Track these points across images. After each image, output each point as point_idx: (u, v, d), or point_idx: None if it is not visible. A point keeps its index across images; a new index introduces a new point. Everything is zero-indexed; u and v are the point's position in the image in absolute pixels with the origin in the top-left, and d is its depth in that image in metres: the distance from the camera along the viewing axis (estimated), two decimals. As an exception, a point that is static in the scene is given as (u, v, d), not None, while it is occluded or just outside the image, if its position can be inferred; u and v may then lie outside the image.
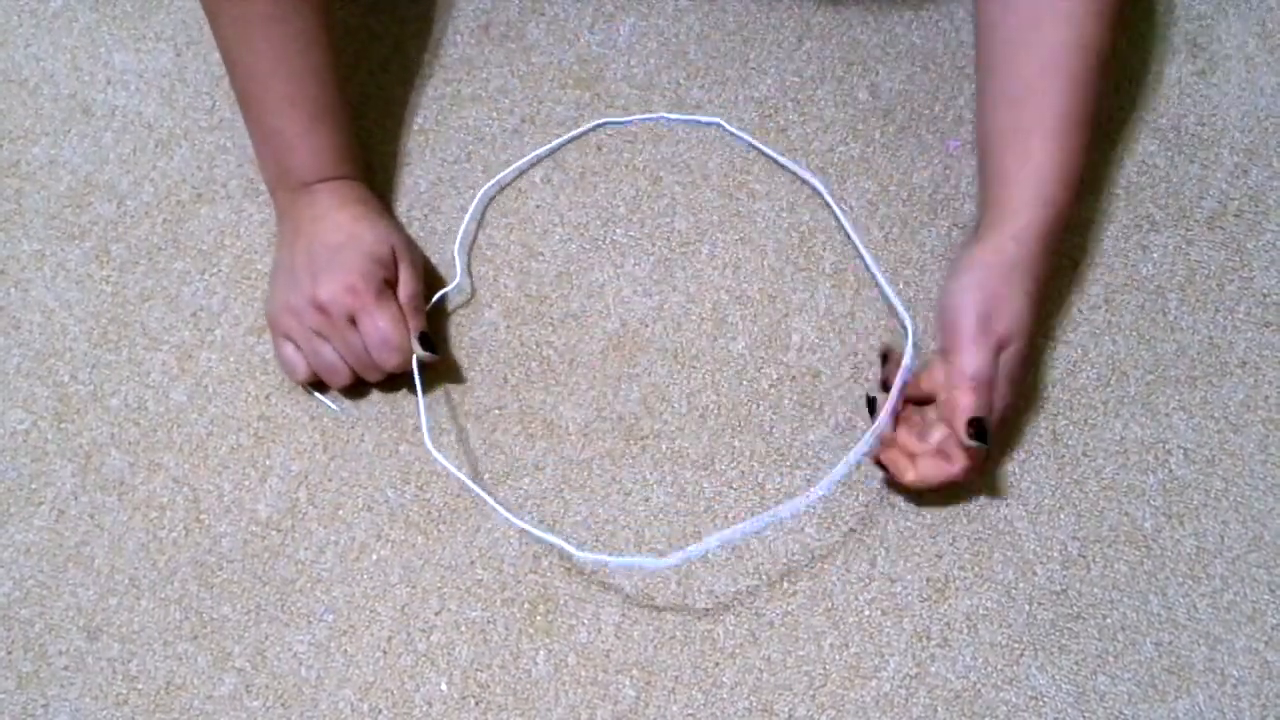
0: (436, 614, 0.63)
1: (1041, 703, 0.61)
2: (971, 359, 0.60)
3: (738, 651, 0.62)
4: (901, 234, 0.70)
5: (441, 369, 0.67)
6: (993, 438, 0.60)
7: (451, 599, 0.63)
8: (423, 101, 0.74)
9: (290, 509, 0.65)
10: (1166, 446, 0.65)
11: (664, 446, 0.66)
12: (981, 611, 0.62)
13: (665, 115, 0.72)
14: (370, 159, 0.72)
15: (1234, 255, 0.69)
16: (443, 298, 0.68)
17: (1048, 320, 0.68)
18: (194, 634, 0.62)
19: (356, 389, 0.66)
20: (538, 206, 0.71)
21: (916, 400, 0.63)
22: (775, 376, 0.67)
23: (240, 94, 0.65)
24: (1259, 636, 0.62)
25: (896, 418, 0.63)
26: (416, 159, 0.72)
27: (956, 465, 0.60)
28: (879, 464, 0.63)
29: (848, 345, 0.67)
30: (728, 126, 0.71)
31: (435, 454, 0.62)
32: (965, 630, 0.62)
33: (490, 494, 0.65)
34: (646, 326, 0.68)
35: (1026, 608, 0.62)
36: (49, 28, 0.76)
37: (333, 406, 0.66)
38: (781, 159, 0.70)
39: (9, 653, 0.62)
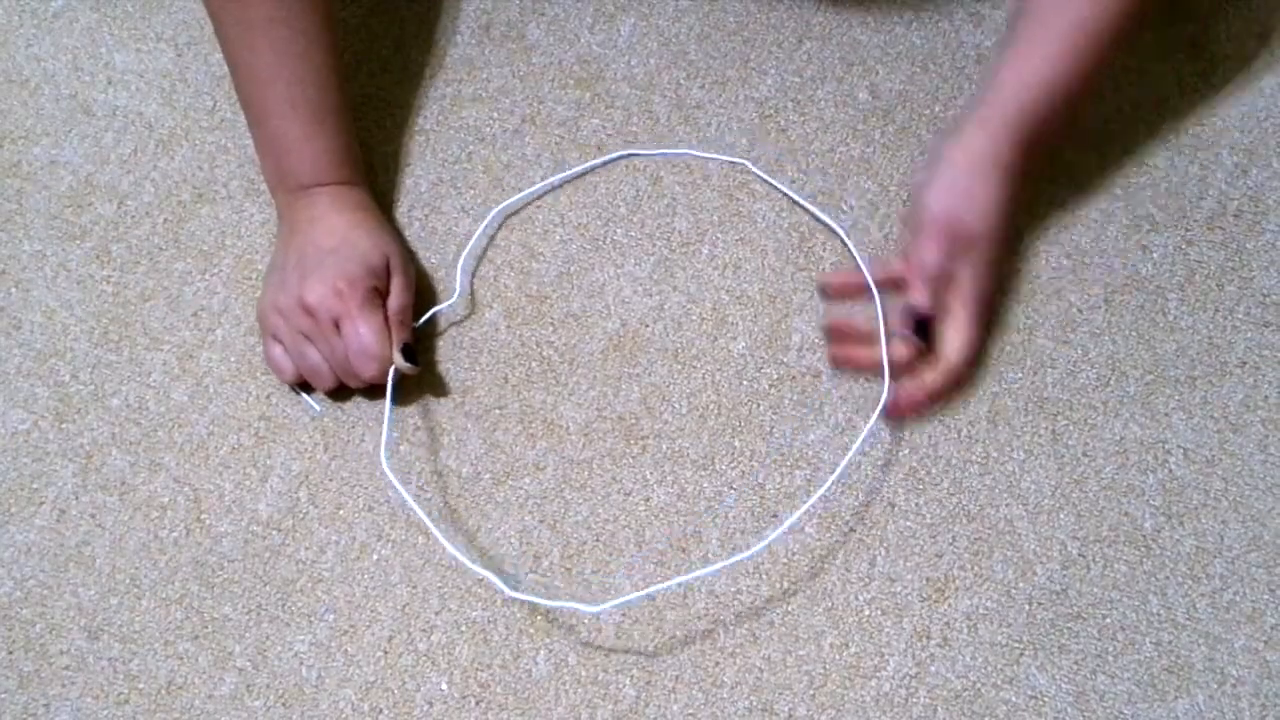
0: (437, 614, 0.63)
1: (1041, 702, 0.61)
2: (922, 250, 0.61)
3: (738, 651, 0.62)
4: (899, 236, 0.70)
5: (425, 382, 0.67)
6: (966, 344, 0.63)
7: (452, 599, 0.63)
8: (423, 102, 0.74)
9: (291, 509, 0.65)
10: (1166, 446, 0.65)
11: (664, 446, 0.66)
12: (981, 611, 0.62)
13: (691, 151, 0.71)
14: (370, 159, 0.72)
15: (1233, 255, 0.69)
16: (435, 314, 0.68)
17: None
18: (195, 634, 0.62)
19: (342, 392, 0.66)
20: (538, 206, 0.71)
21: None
22: (775, 376, 0.67)
23: (242, 95, 0.66)
24: (1258, 636, 0.62)
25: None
26: (417, 159, 0.72)
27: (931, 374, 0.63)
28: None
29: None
30: (754, 169, 0.71)
31: (387, 469, 0.63)
32: (965, 630, 0.62)
33: (490, 495, 0.65)
34: (647, 326, 0.68)
35: (1026, 607, 0.62)
36: (50, 28, 0.76)
37: (314, 406, 0.66)
38: (805, 203, 0.70)
39: (10, 653, 0.62)
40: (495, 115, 0.73)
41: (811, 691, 0.61)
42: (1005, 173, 0.63)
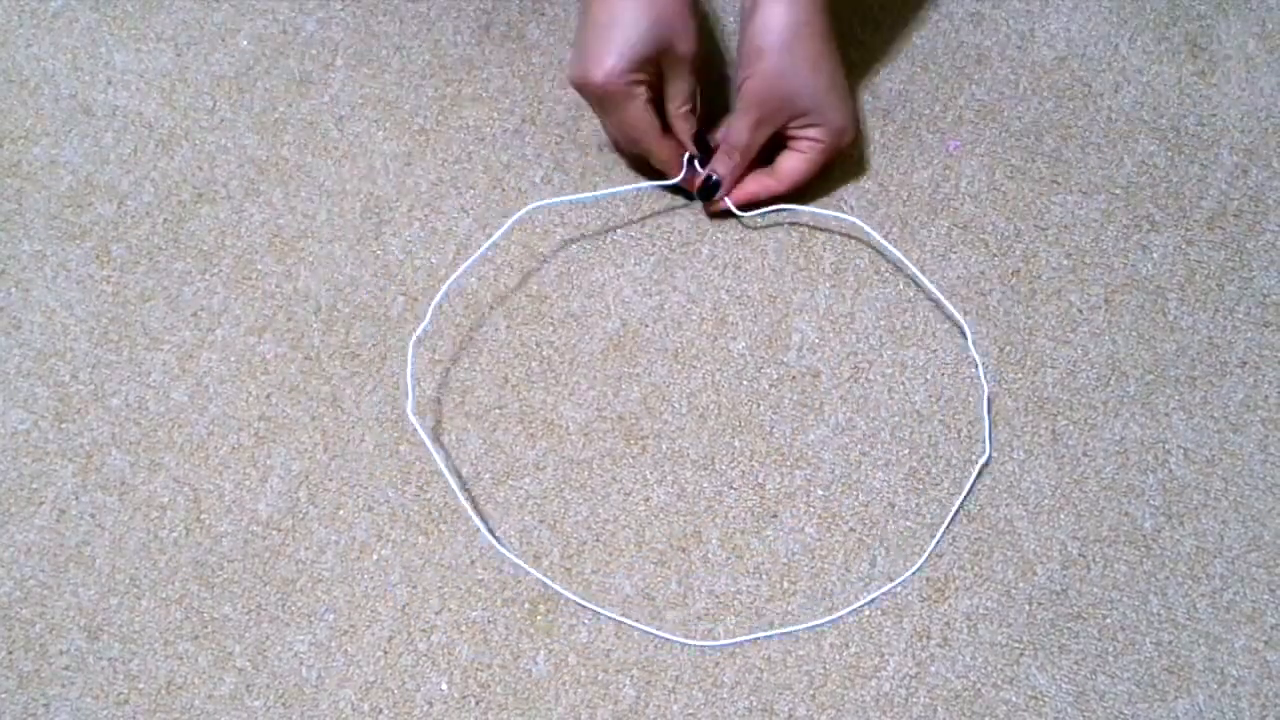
0: (437, 614, 0.63)
1: (1041, 702, 0.61)
2: (739, 127, 0.67)
3: (738, 651, 0.62)
4: (902, 234, 0.70)
5: (425, 380, 0.67)
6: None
7: (452, 599, 0.63)
8: (423, 101, 0.74)
9: (291, 509, 0.65)
10: (1166, 446, 0.65)
11: (664, 446, 0.66)
12: (981, 611, 0.62)
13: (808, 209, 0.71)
14: (371, 160, 0.72)
15: (1234, 255, 0.69)
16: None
17: (1045, 312, 0.68)
18: (195, 634, 0.62)
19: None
20: (538, 206, 0.71)
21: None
22: (775, 376, 0.67)
23: None
24: (1259, 636, 0.62)
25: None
26: (417, 159, 0.72)
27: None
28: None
29: (848, 345, 0.67)
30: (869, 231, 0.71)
31: (414, 420, 0.63)
32: (965, 630, 0.62)
33: (490, 495, 0.65)
34: (647, 326, 0.68)
35: (1026, 607, 0.62)
36: (49, 28, 0.76)
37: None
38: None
39: (9, 653, 0.62)
40: (495, 115, 0.73)
41: (811, 691, 0.61)
42: (812, 31, 0.65)
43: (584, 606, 0.62)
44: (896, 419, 0.66)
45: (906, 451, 0.65)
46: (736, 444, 0.66)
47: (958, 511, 0.64)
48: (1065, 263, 0.69)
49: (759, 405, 0.66)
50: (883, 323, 0.68)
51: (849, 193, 0.71)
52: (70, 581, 0.64)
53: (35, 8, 0.77)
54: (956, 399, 0.66)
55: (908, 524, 0.64)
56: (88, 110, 0.74)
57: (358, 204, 0.71)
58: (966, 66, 0.74)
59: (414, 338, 0.66)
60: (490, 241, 0.68)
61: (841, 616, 0.62)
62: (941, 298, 0.68)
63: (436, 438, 0.66)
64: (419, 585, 0.63)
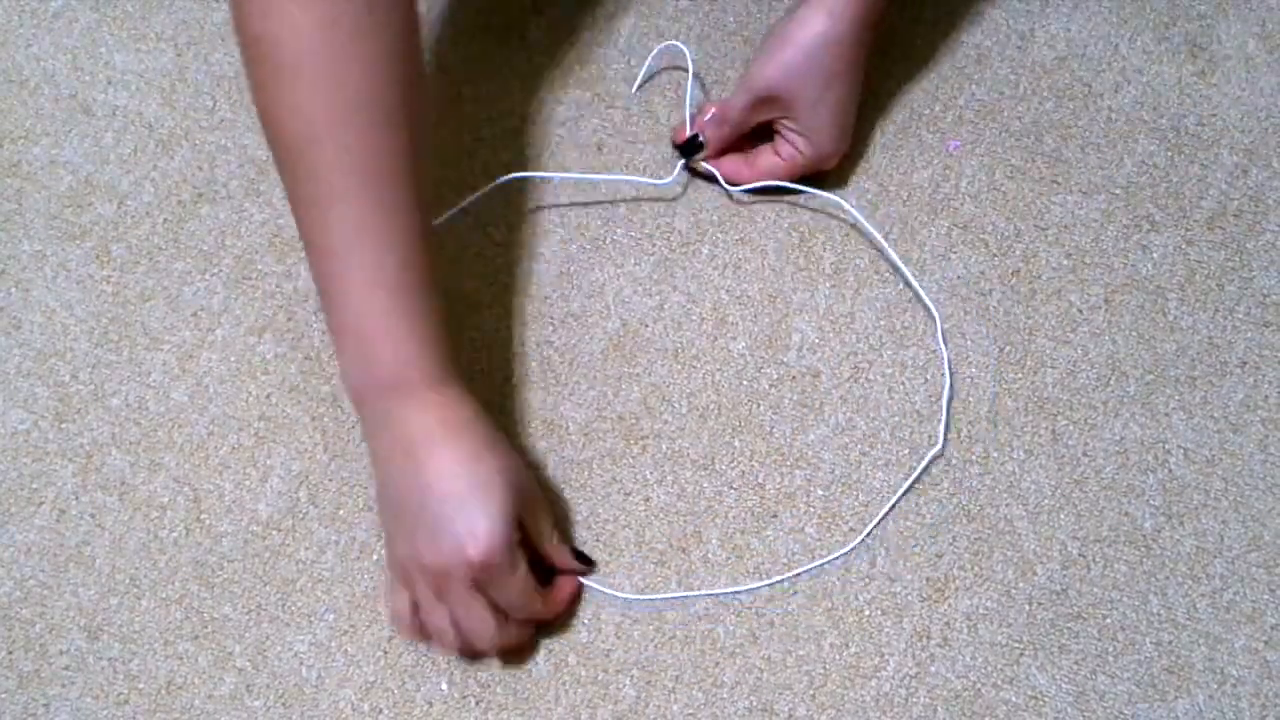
0: (437, 614, 0.63)
1: (1041, 702, 0.61)
2: (735, 105, 0.67)
3: (738, 651, 0.62)
4: (902, 234, 0.70)
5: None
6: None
7: (452, 599, 0.63)
8: (423, 101, 0.74)
9: (291, 509, 0.65)
10: (1166, 446, 0.65)
11: (664, 446, 0.66)
12: (981, 611, 0.62)
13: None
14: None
15: (1234, 255, 0.69)
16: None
17: (1041, 312, 0.68)
18: (195, 634, 0.62)
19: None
20: (538, 205, 0.71)
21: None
22: (775, 376, 0.67)
23: (317, 278, 0.56)
24: (1259, 636, 0.62)
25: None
26: (417, 159, 0.72)
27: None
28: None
29: (848, 345, 0.67)
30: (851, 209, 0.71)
31: None
32: (965, 630, 0.62)
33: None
34: (647, 326, 0.68)
35: (1026, 607, 0.62)
36: (49, 28, 0.76)
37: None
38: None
39: (9, 653, 0.62)
40: (495, 115, 0.73)
41: (811, 692, 0.61)
42: (844, 47, 0.64)
43: (592, 589, 0.62)
44: (897, 419, 0.66)
45: (907, 452, 0.65)
46: (736, 444, 0.66)
47: (899, 499, 0.64)
48: (1065, 263, 0.69)
49: (759, 405, 0.66)
50: (883, 323, 0.68)
51: (849, 192, 0.71)
52: (70, 581, 0.64)
53: (35, 8, 0.77)
54: (957, 399, 0.66)
55: (908, 524, 0.64)
56: (88, 110, 0.74)
57: (358, 204, 0.71)
58: (966, 66, 0.74)
59: None
60: (468, 200, 0.66)
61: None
62: (915, 282, 0.67)
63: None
64: (419, 585, 0.63)
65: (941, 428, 0.65)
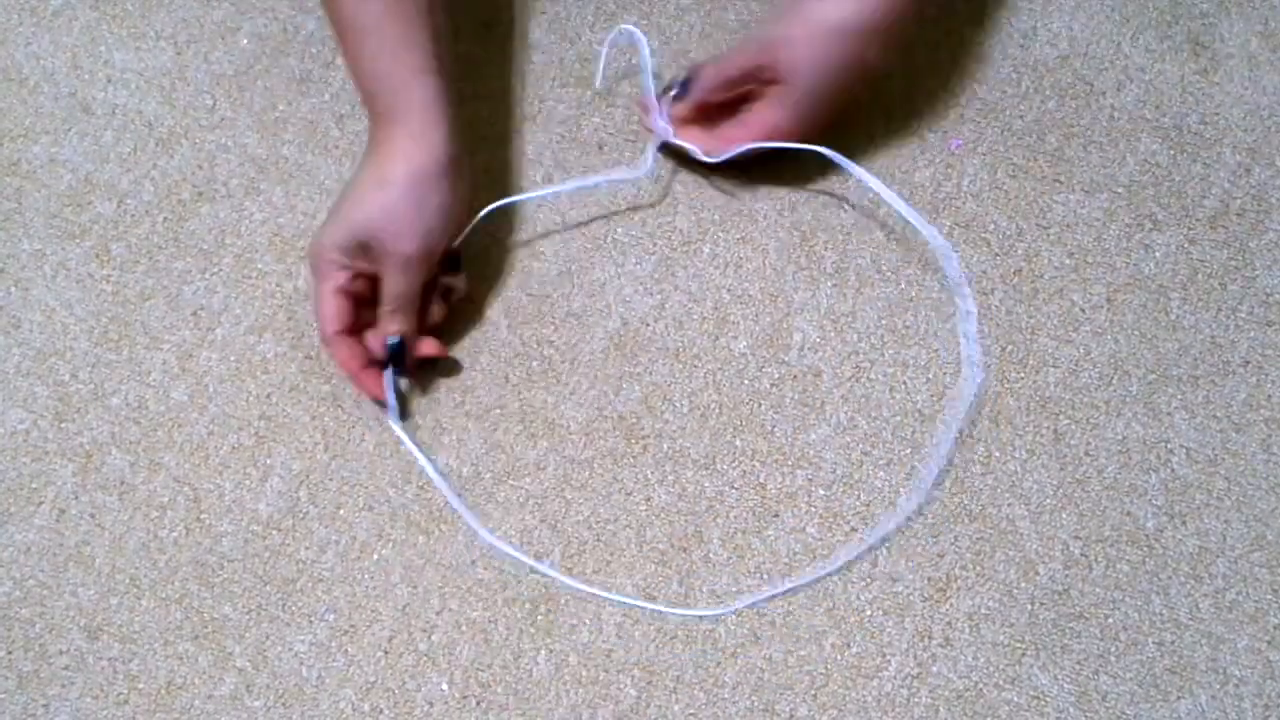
0: (437, 614, 0.63)
1: (1043, 702, 0.61)
2: (729, 62, 0.65)
3: (739, 651, 0.62)
4: (902, 233, 0.70)
5: (425, 380, 0.67)
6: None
7: (452, 599, 0.63)
8: (423, 100, 0.74)
9: (291, 508, 0.65)
10: (1169, 446, 0.65)
11: (665, 446, 0.66)
12: (983, 611, 0.62)
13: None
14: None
15: (1236, 254, 0.69)
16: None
17: (1047, 311, 0.67)
18: (195, 634, 0.62)
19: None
20: (539, 205, 0.71)
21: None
22: (776, 376, 0.67)
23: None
24: (1261, 636, 0.62)
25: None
26: (417, 158, 0.72)
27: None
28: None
29: (849, 344, 0.67)
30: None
31: (399, 430, 0.63)
32: (967, 630, 0.62)
33: (491, 495, 0.65)
34: (648, 325, 0.68)
35: (1028, 607, 0.62)
36: (49, 26, 0.76)
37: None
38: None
39: (9, 653, 0.62)
40: (495, 115, 0.73)
41: (813, 692, 0.61)
42: (861, 39, 0.63)
43: (593, 595, 0.62)
44: (898, 419, 0.66)
45: (908, 451, 0.65)
46: (738, 443, 0.66)
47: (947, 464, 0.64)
48: (1067, 262, 0.69)
49: (760, 404, 0.66)
50: (884, 322, 0.68)
51: (849, 192, 0.71)
52: (70, 581, 0.63)
53: (35, 6, 0.77)
54: (959, 400, 0.66)
55: (910, 523, 0.64)
56: (87, 109, 0.74)
57: (358, 203, 0.71)
58: (968, 65, 0.74)
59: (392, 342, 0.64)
60: (457, 239, 0.66)
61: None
62: (913, 215, 0.65)
63: (437, 438, 0.66)
64: (419, 585, 0.63)
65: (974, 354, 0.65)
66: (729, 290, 0.69)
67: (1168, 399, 0.66)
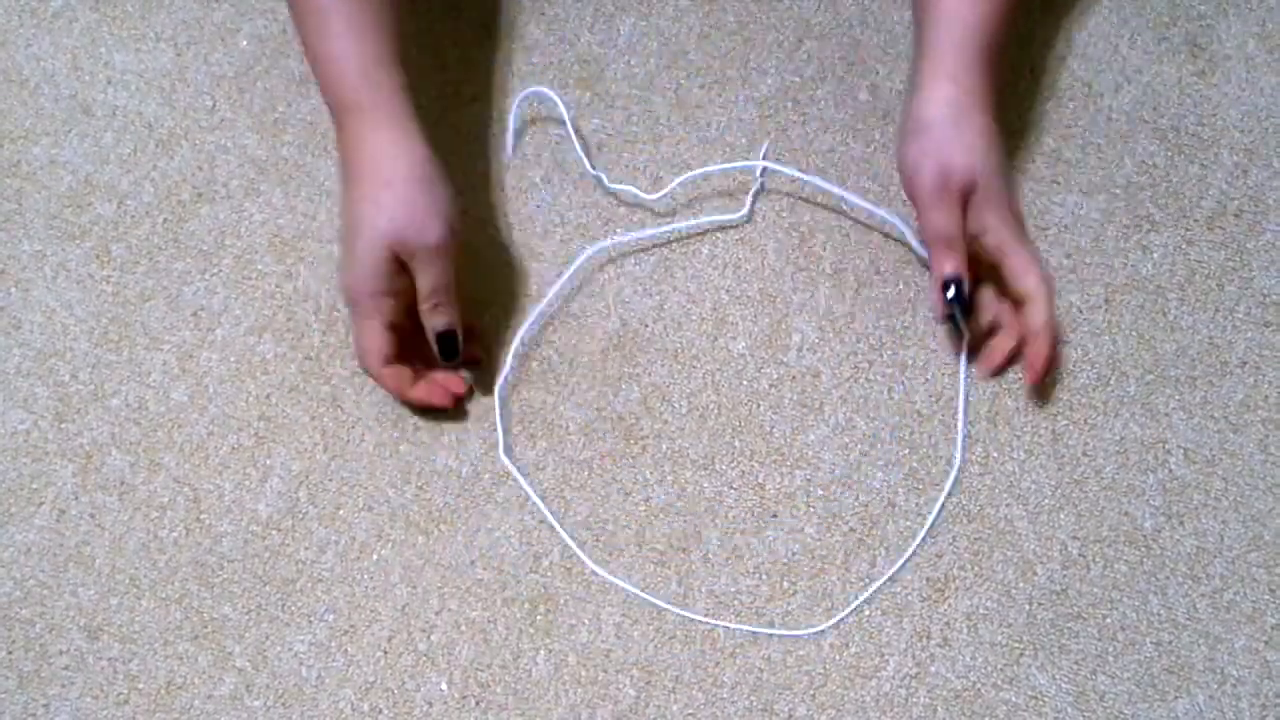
0: (437, 614, 0.63)
1: (1041, 702, 0.61)
2: (931, 220, 0.61)
3: (738, 651, 0.62)
4: (901, 234, 0.70)
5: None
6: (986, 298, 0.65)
7: (452, 599, 0.63)
8: (423, 101, 0.74)
9: (291, 509, 0.65)
10: (1166, 446, 0.65)
11: (664, 446, 0.66)
12: (981, 611, 0.62)
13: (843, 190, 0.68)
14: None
15: (1234, 255, 0.69)
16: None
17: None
18: (194, 634, 0.62)
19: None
20: (538, 206, 0.71)
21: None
22: (775, 376, 0.67)
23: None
24: (1259, 636, 0.62)
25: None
26: (417, 159, 0.72)
27: (1009, 337, 0.64)
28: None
29: (848, 345, 0.67)
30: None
31: (507, 462, 0.64)
32: (965, 630, 0.62)
33: (490, 495, 0.65)
34: (647, 326, 0.68)
35: (1026, 607, 0.62)
36: (49, 28, 0.76)
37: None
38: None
39: (10, 653, 0.62)
40: (495, 115, 0.73)
41: (812, 692, 0.61)
42: (975, 106, 0.62)
43: (612, 582, 0.62)
44: (897, 419, 0.66)
45: (907, 451, 0.65)
46: (736, 444, 0.66)
47: (941, 508, 0.64)
48: (1065, 262, 0.69)
49: (759, 405, 0.66)
50: (883, 323, 0.68)
51: (849, 192, 0.71)
52: (70, 581, 0.64)
53: (35, 7, 0.77)
54: (958, 399, 0.66)
55: (908, 524, 0.64)
56: (87, 110, 0.74)
57: (358, 204, 0.71)
58: (966, 66, 0.74)
59: (499, 384, 0.65)
60: (556, 287, 0.67)
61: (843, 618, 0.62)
62: (867, 204, 0.65)
63: (436, 438, 0.66)
64: (418, 585, 0.63)
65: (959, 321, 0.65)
66: (728, 291, 0.69)
67: (1165, 399, 0.66)
